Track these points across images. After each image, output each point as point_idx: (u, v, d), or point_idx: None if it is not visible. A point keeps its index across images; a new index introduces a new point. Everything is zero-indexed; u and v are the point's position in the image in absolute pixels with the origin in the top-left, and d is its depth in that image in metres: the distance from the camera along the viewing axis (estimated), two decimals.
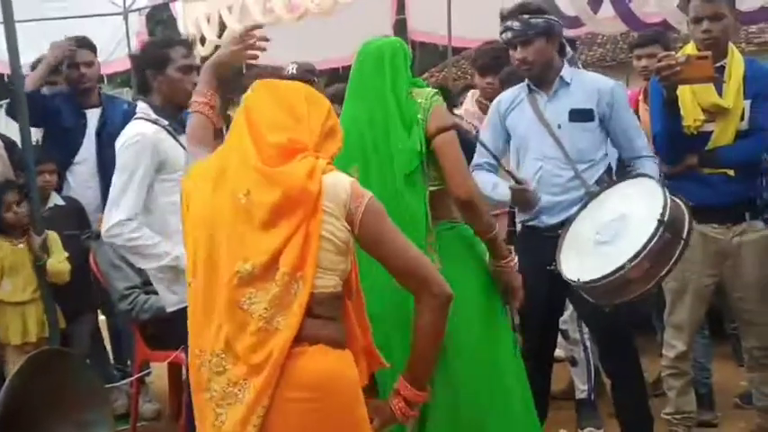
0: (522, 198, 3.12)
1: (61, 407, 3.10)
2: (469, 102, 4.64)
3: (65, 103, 4.28)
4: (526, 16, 3.09)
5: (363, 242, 1.91)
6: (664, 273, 2.69)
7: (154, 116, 3.06)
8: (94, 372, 3.52)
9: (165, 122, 3.05)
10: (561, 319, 3.70)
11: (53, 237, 3.72)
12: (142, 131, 3.00)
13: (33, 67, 4.36)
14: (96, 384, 3.34)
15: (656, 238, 2.63)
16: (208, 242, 1.84)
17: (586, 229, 2.91)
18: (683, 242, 2.67)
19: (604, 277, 2.69)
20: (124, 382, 4.18)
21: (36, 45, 4.79)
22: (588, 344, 3.90)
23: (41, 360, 3.10)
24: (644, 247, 2.62)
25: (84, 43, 4.32)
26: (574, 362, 3.96)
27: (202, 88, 2.33)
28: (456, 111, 4.40)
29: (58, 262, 3.68)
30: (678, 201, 2.77)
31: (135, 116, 3.11)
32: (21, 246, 3.73)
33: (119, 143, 3.06)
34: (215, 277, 1.82)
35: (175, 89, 3.08)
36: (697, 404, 3.52)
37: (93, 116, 4.27)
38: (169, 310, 3.07)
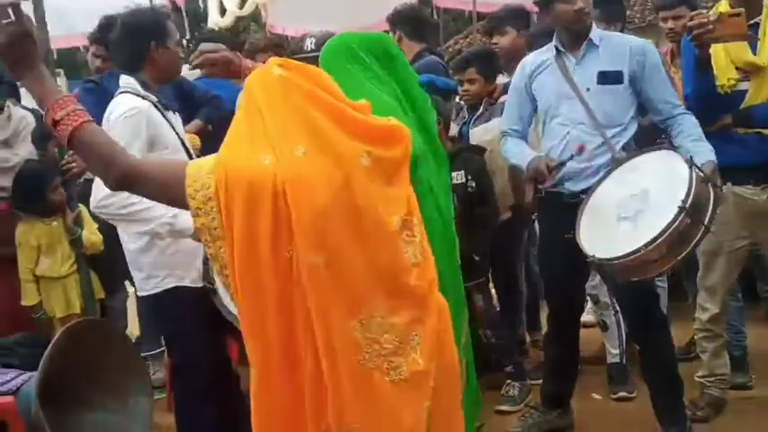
0: (536, 168, 3.10)
1: (100, 376, 3.16)
2: None
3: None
4: None
5: None
6: (682, 256, 2.65)
7: (143, 92, 2.92)
8: (131, 342, 3.59)
9: (154, 99, 2.94)
10: (591, 284, 3.69)
11: (82, 209, 3.77)
12: (137, 105, 2.86)
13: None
14: (134, 354, 3.41)
15: (675, 224, 2.59)
16: (343, 212, 1.79)
17: (608, 200, 2.88)
18: (703, 228, 2.62)
19: (620, 257, 2.67)
20: (159, 350, 4.26)
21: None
22: (618, 308, 3.89)
23: (78, 331, 3.15)
24: (662, 232, 2.59)
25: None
26: (604, 326, 3.94)
27: (63, 96, 1.83)
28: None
29: (91, 233, 3.75)
30: (706, 182, 2.70)
31: (120, 90, 2.94)
32: (54, 224, 3.79)
33: (113, 115, 2.85)
34: (367, 238, 1.81)
35: (174, 63, 3.01)
36: (731, 367, 3.50)
37: None
38: (144, 294, 2.98)
